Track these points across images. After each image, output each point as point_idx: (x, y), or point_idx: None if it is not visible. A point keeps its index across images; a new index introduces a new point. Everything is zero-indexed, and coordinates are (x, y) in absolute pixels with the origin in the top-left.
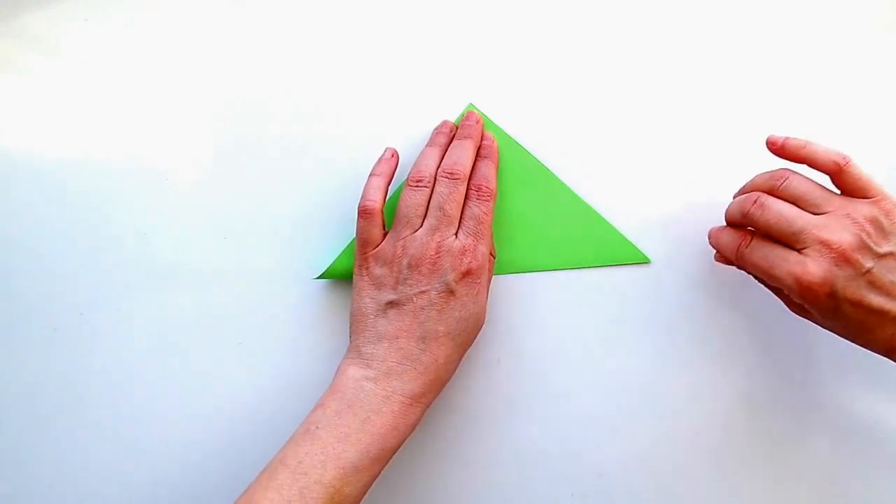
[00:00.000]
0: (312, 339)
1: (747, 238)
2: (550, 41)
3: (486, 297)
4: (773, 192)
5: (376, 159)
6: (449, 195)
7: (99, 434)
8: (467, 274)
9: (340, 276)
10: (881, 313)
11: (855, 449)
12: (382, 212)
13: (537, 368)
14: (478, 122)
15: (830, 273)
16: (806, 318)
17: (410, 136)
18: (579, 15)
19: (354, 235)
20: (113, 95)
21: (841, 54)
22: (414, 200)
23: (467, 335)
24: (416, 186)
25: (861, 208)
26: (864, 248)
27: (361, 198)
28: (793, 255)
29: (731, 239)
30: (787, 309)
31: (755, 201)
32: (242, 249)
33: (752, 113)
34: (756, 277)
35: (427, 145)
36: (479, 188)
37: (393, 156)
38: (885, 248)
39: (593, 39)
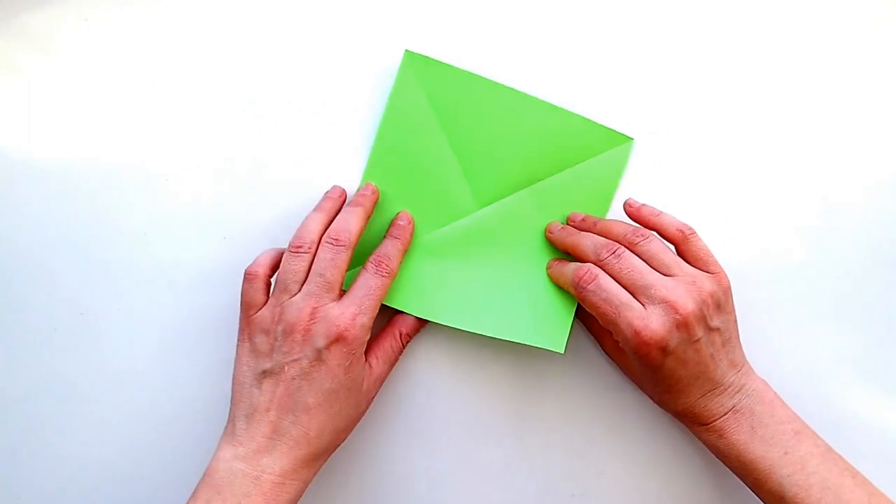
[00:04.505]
0: None
1: (593, 273)
2: None
3: (367, 374)
4: (630, 247)
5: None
6: (330, 261)
7: (99, 434)
8: (338, 340)
9: None
10: (693, 379)
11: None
12: (268, 278)
13: (537, 368)
14: (373, 193)
15: (669, 334)
16: (617, 361)
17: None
18: None
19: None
20: (113, 95)
21: (840, 53)
22: (292, 266)
23: (343, 408)
24: (296, 253)
25: (705, 281)
26: (702, 318)
27: (252, 263)
28: (638, 307)
29: (574, 269)
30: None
31: (614, 251)
32: (242, 249)
33: (753, 112)
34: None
35: (312, 210)
36: (379, 263)
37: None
38: (715, 323)
39: None
